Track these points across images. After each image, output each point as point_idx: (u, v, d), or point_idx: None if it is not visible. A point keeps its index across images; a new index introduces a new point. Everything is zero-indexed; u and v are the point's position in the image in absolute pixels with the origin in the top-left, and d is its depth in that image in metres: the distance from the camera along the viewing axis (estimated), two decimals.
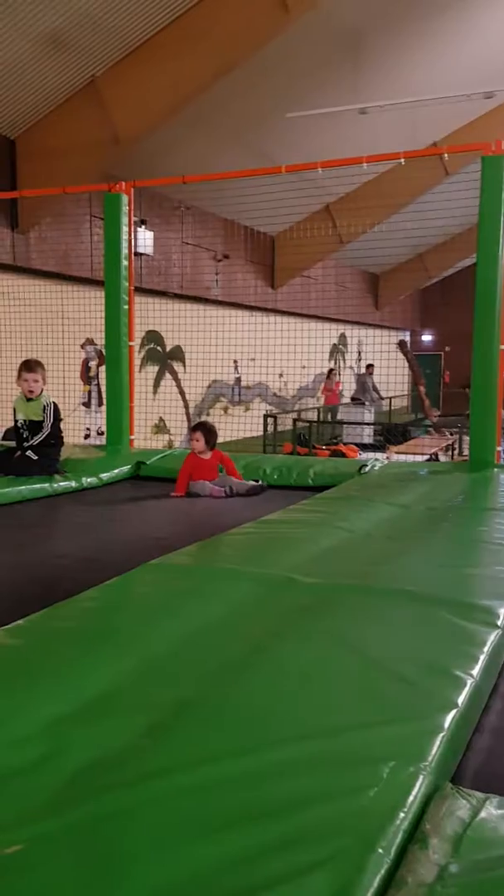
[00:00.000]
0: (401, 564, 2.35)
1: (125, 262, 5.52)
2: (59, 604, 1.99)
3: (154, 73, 8.07)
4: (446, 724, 1.34)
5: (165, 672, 1.58)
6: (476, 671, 1.56)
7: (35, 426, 4.43)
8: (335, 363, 18.78)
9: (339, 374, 18.82)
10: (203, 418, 13.52)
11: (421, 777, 1.18)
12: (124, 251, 5.51)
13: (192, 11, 7.85)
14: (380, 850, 1.00)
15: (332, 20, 8.77)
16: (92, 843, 1.04)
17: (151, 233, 10.90)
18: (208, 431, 4.42)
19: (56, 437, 4.49)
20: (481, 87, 9.92)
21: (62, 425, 4.61)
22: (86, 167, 8.60)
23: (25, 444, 4.41)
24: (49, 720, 1.35)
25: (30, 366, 4.48)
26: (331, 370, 15.10)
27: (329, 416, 13.62)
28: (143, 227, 10.51)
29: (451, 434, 11.26)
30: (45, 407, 4.44)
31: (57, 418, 4.49)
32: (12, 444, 4.63)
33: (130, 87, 8.20)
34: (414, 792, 1.14)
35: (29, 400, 4.47)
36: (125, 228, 5.50)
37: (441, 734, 1.31)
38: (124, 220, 5.50)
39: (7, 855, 1.02)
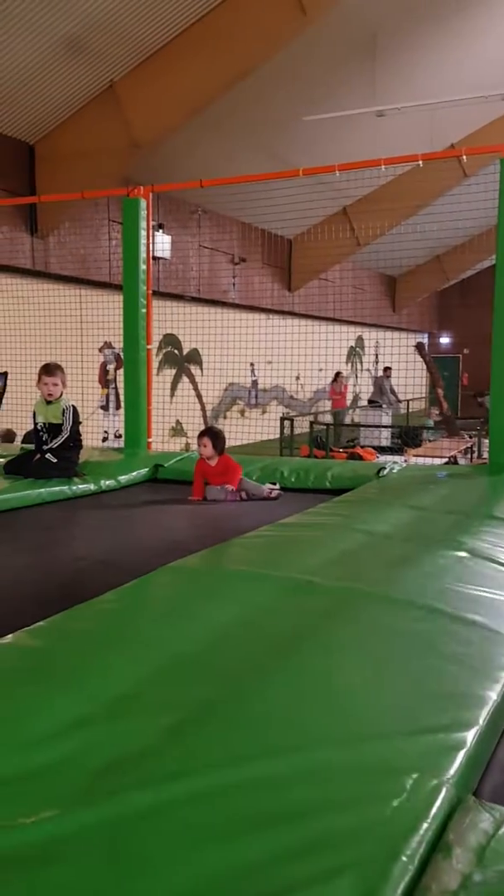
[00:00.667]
0: (420, 571, 2.33)
1: (143, 266, 5.54)
2: (80, 605, 2.00)
3: (172, 77, 8.11)
4: (469, 739, 1.33)
5: (186, 674, 1.58)
6: (498, 687, 1.55)
7: (54, 429, 4.45)
8: (352, 366, 18.73)
9: (357, 377, 18.75)
10: (220, 421, 13.54)
11: (444, 789, 1.17)
12: (142, 255, 5.53)
13: (209, 15, 7.89)
14: (403, 858, 0.99)
15: (349, 23, 8.77)
16: (114, 844, 1.05)
17: (169, 237, 10.95)
18: (215, 437, 4.39)
19: (75, 441, 4.52)
20: (499, 88, 9.87)
21: (81, 428, 4.63)
22: (104, 172, 8.66)
23: (45, 447, 4.44)
24: (71, 720, 1.35)
25: (49, 369, 4.52)
26: (338, 373, 14.63)
27: (336, 421, 13.35)
28: (161, 230, 10.56)
29: (470, 437, 11.18)
30: (64, 410, 4.46)
31: (76, 421, 4.51)
32: (32, 447, 4.66)
33: (149, 92, 8.25)
34: (437, 803, 1.13)
35: (49, 403, 4.50)
36: (143, 233, 5.53)
37: (464, 748, 1.30)
38: (142, 224, 5.52)
39: (30, 854, 1.02)
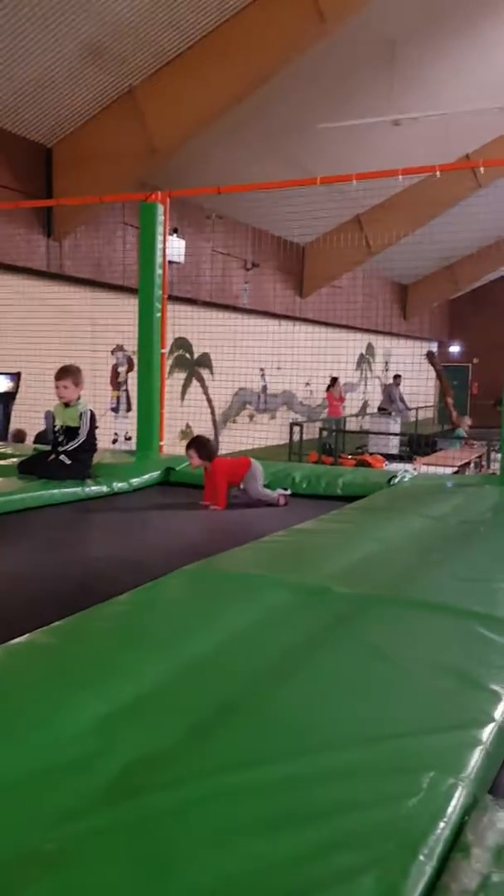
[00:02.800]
0: (434, 576, 2.36)
1: (159, 271, 5.58)
2: (98, 605, 2.03)
3: (190, 83, 8.17)
4: (485, 737, 1.35)
5: (205, 675, 1.61)
6: None
7: (71, 432, 4.49)
8: (361, 373, 18.73)
9: (366, 384, 18.73)
10: (228, 426, 13.57)
11: (460, 788, 1.19)
12: (158, 260, 5.57)
13: (228, 22, 7.94)
14: (422, 857, 1.02)
15: (367, 31, 8.81)
16: (139, 842, 1.07)
17: (183, 241, 11.01)
18: (200, 446, 4.38)
19: (91, 444, 4.55)
20: None
21: (96, 431, 4.66)
22: (120, 176, 8.72)
23: (59, 449, 4.47)
24: (96, 719, 1.38)
25: (58, 372, 4.55)
26: (335, 378, 14.03)
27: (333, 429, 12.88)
28: (176, 235, 10.62)
29: (480, 446, 11.18)
30: (81, 414, 4.50)
31: (93, 426, 4.55)
32: (46, 447, 4.70)
33: (167, 98, 8.31)
34: (453, 802, 1.15)
35: (66, 406, 4.54)
36: (160, 237, 5.57)
37: (480, 746, 1.32)
38: (159, 229, 5.57)
39: (58, 851, 1.05)
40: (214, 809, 1.13)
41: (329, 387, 14.18)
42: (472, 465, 10.31)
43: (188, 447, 4.44)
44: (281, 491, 4.41)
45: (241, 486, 4.31)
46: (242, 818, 1.11)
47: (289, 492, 4.45)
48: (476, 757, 1.29)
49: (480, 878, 0.95)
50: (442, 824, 1.09)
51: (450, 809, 1.13)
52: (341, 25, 7.99)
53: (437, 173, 4.99)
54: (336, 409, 14.17)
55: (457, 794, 1.17)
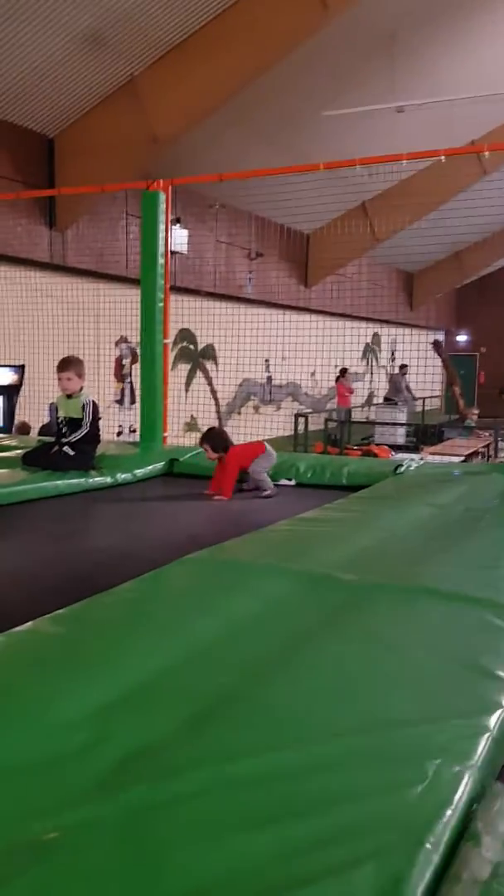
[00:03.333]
0: (440, 564, 2.33)
1: (161, 261, 5.54)
2: (100, 594, 2.01)
3: (193, 72, 8.10)
4: (492, 724, 1.32)
5: (206, 664, 1.58)
6: None
7: (74, 423, 4.47)
8: (367, 363, 18.66)
9: (372, 374, 18.67)
10: (234, 417, 13.54)
11: (467, 775, 1.16)
12: (161, 249, 5.53)
13: (230, 10, 7.87)
14: (428, 846, 0.99)
15: (369, 18, 8.72)
16: (135, 832, 1.05)
17: (186, 231, 10.95)
18: (213, 438, 4.29)
19: (94, 436, 4.53)
20: None
21: (99, 423, 4.64)
22: (123, 165, 8.67)
23: (63, 441, 4.46)
24: (93, 707, 1.36)
25: (61, 364, 4.52)
26: (344, 369, 14.13)
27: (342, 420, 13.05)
28: (178, 225, 10.57)
29: (488, 436, 11.13)
30: (84, 405, 4.48)
31: (96, 417, 4.53)
32: (50, 439, 4.68)
33: (169, 87, 8.25)
34: (461, 790, 1.13)
35: (69, 397, 4.52)
36: (162, 227, 5.53)
37: (487, 733, 1.29)
38: (161, 218, 5.52)
39: (51, 840, 1.03)
40: (210, 801, 1.10)
41: (338, 377, 14.18)
42: (479, 454, 10.27)
43: (202, 441, 4.36)
44: (285, 481, 4.37)
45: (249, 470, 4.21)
46: (239, 809, 1.08)
47: (293, 482, 4.41)
48: (483, 744, 1.26)
49: (492, 866, 0.92)
50: (448, 812, 1.07)
51: (456, 797, 1.11)
52: (344, 13, 7.90)
53: (442, 158, 4.94)
54: (346, 400, 14.21)
55: (463, 782, 1.14)
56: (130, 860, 0.99)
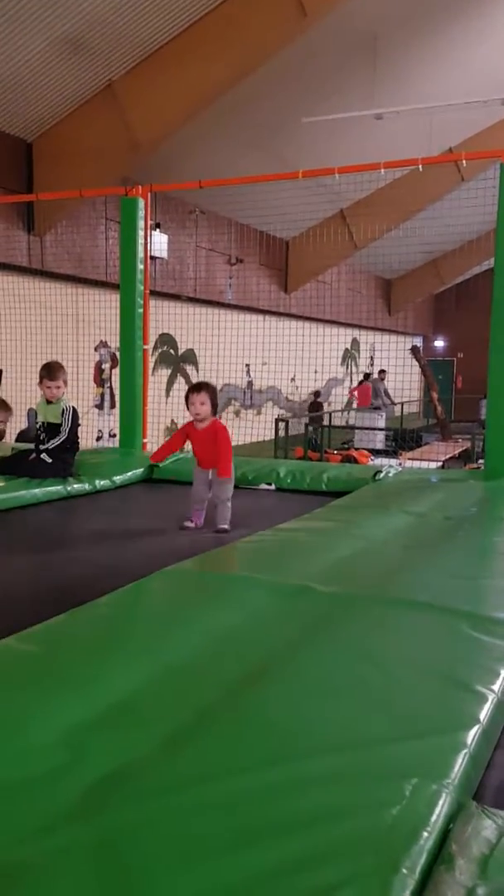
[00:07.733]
0: (418, 575, 2.33)
1: (141, 266, 5.52)
2: (74, 610, 1.98)
3: (171, 77, 8.08)
4: (469, 740, 1.32)
5: (183, 681, 1.56)
6: (497, 686, 1.54)
7: (52, 429, 4.42)
8: (347, 368, 18.74)
9: (351, 379, 18.77)
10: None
11: (444, 794, 1.16)
12: (140, 255, 5.51)
13: (209, 16, 7.86)
14: (404, 871, 0.98)
15: (349, 25, 8.76)
16: (112, 856, 1.03)
17: (166, 236, 10.92)
18: (214, 394, 3.53)
19: (73, 442, 4.48)
20: (498, 93, 9.88)
21: (78, 429, 4.60)
22: (102, 171, 8.63)
23: (41, 447, 4.41)
24: (67, 728, 1.34)
25: (51, 372, 4.41)
26: (367, 374, 15.83)
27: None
28: (158, 230, 10.54)
29: (463, 440, 11.21)
30: (63, 411, 4.43)
31: (75, 423, 4.48)
32: (28, 446, 4.63)
33: (148, 92, 8.22)
34: (437, 810, 1.12)
35: (49, 403, 4.47)
36: (141, 232, 5.51)
37: (464, 750, 1.29)
38: (140, 223, 5.50)
39: (24, 867, 1.01)
40: (185, 823, 1.09)
41: (361, 381, 15.69)
42: (455, 459, 10.33)
43: (198, 389, 3.50)
44: (265, 486, 4.36)
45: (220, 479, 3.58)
46: (216, 831, 1.07)
47: (273, 486, 4.41)
48: (460, 761, 1.26)
49: (465, 891, 0.91)
50: (425, 834, 1.06)
51: (433, 818, 1.10)
52: (323, 19, 7.93)
53: (420, 167, 4.96)
54: (363, 401, 14.84)
55: (441, 802, 1.14)
56: (109, 885, 0.98)
